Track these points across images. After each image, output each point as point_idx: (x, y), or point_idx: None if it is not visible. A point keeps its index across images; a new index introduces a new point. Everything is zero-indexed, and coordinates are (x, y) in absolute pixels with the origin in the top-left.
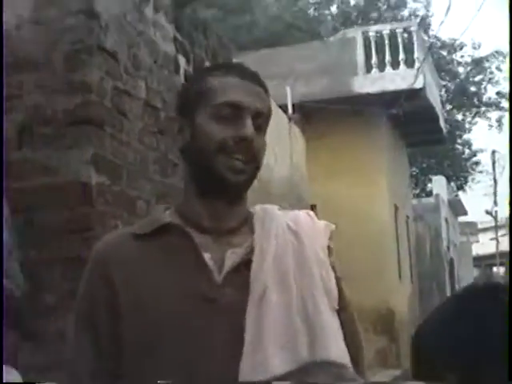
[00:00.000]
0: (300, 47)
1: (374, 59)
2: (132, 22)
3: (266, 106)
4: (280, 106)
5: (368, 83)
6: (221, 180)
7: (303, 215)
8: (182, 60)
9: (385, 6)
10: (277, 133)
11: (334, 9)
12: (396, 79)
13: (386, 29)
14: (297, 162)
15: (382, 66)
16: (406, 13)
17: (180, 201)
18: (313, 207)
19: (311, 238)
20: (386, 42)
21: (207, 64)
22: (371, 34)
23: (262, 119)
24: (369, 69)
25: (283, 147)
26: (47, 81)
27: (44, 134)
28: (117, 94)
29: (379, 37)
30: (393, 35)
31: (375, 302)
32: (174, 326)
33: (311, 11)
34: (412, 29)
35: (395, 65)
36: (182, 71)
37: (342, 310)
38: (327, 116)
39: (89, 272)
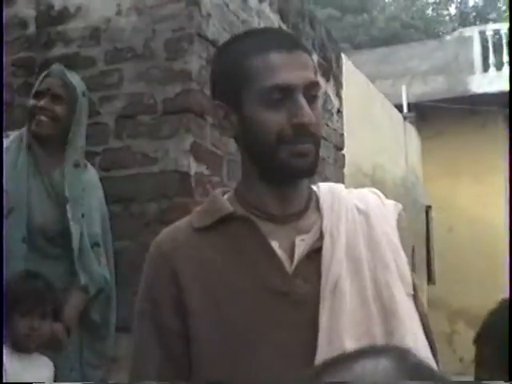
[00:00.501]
0: (416, 46)
1: (492, 58)
2: (235, 11)
3: (314, 72)
4: (395, 106)
5: (485, 82)
6: (287, 167)
7: (371, 195)
8: None
9: (504, 7)
10: (392, 132)
11: (452, 9)
12: None
13: (503, 28)
14: (412, 162)
15: (499, 65)
16: None
17: (240, 185)
18: (428, 208)
19: (381, 219)
20: (504, 40)
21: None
22: (488, 32)
23: (313, 89)
24: (486, 68)
25: (398, 147)
26: (147, 69)
27: (143, 122)
28: None
29: (497, 36)
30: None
31: (487, 306)
32: (247, 322)
33: (429, 11)
34: None
35: None
36: None
37: (414, 294)
38: (443, 115)
39: (150, 269)
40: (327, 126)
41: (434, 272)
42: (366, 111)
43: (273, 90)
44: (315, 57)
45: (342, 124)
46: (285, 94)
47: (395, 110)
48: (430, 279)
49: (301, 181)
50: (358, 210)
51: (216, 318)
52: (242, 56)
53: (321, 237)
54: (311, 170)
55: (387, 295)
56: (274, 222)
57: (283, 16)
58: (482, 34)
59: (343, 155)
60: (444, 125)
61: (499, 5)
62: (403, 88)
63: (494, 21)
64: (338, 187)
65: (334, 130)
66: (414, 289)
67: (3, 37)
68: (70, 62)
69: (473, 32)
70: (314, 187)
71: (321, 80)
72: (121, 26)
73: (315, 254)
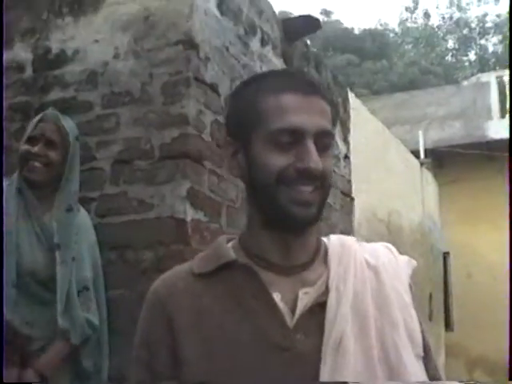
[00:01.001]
0: (434, 91)
1: (509, 104)
2: (235, 55)
3: (329, 120)
4: (413, 151)
5: (503, 128)
6: (286, 214)
7: (383, 249)
8: None
9: None
10: (408, 178)
11: (471, 55)
12: None
13: None
14: (429, 208)
15: None
16: None
17: (244, 232)
18: (446, 254)
19: (392, 275)
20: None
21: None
22: (506, 78)
23: (326, 138)
24: (503, 114)
25: (414, 193)
26: (144, 113)
27: (140, 167)
28: (217, 127)
29: None
30: None
31: (505, 353)
32: (243, 376)
33: (449, 57)
34: None
35: None
36: None
37: (425, 356)
38: (461, 161)
39: (147, 314)
40: (334, 172)
41: (453, 319)
42: (382, 157)
43: (282, 132)
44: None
45: (350, 170)
46: (294, 137)
47: (411, 156)
48: (449, 326)
49: (307, 231)
50: (368, 264)
51: (210, 371)
52: (256, 95)
53: (326, 291)
54: (313, 220)
55: (395, 357)
56: (277, 273)
57: (287, 60)
58: (500, 79)
59: (351, 201)
60: (461, 171)
61: None
62: (420, 134)
63: None
64: (350, 240)
65: (342, 176)
66: (427, 350)
67: (3, 36)
68: (67, 106)
69: (490, 77)
70: (325, 239)
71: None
72: (118, 70)
73: (319, 308)
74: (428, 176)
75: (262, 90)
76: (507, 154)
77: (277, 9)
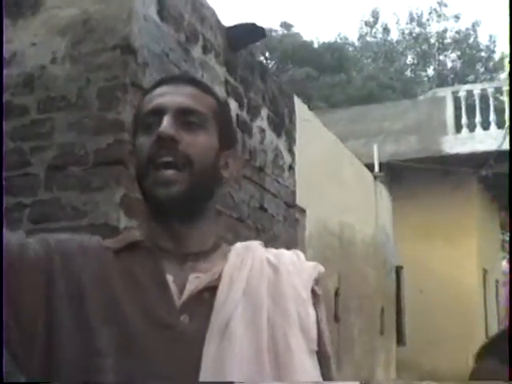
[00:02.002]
0: (390, 106)
1: (464, 119)
2: (175, 61)
3: (204, 105)
4: (367, 165)
5: (458, 143)
6: (151, 197)
7: (288, 253)
8: (233, 104)
9: (482, 69)
10: (361, 192)
11: (430, 70)
12: (486, 140)
13: (476, 88)
14: (382, 222)
15: (472, 127)
16: (504, 75)
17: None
18: (399, 268)
19: (293, 274)
20: (477, 101)
21: (263, 109)
22: (461, 93)
23: (194, 116)
24: (459, 129)
25: (368, 206)
26: (79, 119)
27: (74, 173)
28: None
29: (470, 96)
30: (484, 95)
31: (459, 367)
32: (126, 349)
33: (407, 72)
34: (504, 89)
35: (486, 125)
36: (233, 116)
37: (321, 355)
38: (416, 175)
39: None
40: (278, 182)
41: (405, 333)
42: (334, 170)
43: (147, 114)
44: (265, 111)
45: (294, 180)
46: (156, 117)
47: (365, 169)
48: (401, 341)
49: (193, 218)
50: (269, 262)
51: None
52: (144, 93)
53: (219, 278)
54: (179, 201)
55: (283, 346)
56: (172, 259)
57: (230, 68)
58: (455, 94)
59: (302, 213)
60: (416, 185)
61: (477, 67)
62: (375, 147)
63: (472, 83)
64: (255, 243)
65: (286, 186)
66: (323, 350)
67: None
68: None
69: (446, 93)
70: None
71: (271, 135)
72: (55, 74)
73: (210, 293)
74: (382, 190)
75: (146, 93)
76: (462, 169)
77: (235, 21)
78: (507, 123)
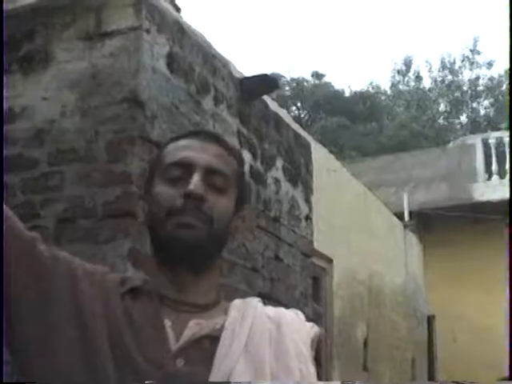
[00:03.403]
0: (420, 153)
1: (495, 166)
2: (185, 113)
3: (228, 167)
4: (397, 214)
5: (489, 190)
6: (172, 238)
7: (288, 311)
8: (247, 155)
9: None
10: (391, 240)
11: (463, 118)
12: None
13: (506, 135)
14: (412, 270)
15: (502, 174)
16: None
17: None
18: (431, 318)
19: (293, 330)
20: (507, 148)
21: (278, 160)
22: (491, 140)
23: (220, 178)
24: (489, 176)
25: (398, 255)
26: (88, 172)
27: (83, 226)
28: None
29: (500, 143)
30: None
31: None
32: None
33: (440, 120)
34: None
35: None
36: (247, 167)
37: None
38: (446, 223)
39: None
40: (294, 232)
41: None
42: (363, 219)
43: (173, 166)
44: (280, 161)
45: (312, 230)
46: (184, 170)
47: (395, 218)
48: None
49: (200, 268)
50: (269, 317)
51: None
52: (163, 147)
53: (220, 329)
54: (194, 245)
55: None
56: (173, 308)
57: (243, 119)
58: (485, 141)
59: (312, 262)
60: (447, 233)
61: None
62: (404, 196)
63: (506, 129)
64: (254, 299)
65: (302, 236)
66: None
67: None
68: (13, 163)
69: (476, 140)
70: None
71: (287, 185)
72: (64, 128)
73: (209, 341)
74: (412, 238)
75: (168, 143)
76: (492, 216)
77: (268, 71)
78: None
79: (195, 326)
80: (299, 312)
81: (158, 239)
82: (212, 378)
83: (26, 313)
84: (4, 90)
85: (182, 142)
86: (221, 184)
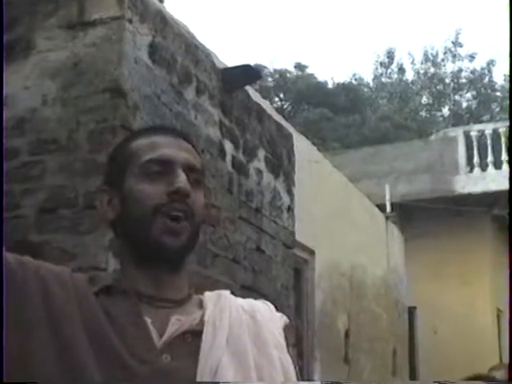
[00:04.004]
0: (402, 145)
1: (476, 158)
2: (167, 103)
3: (199, 163)
4: (379, 205)
5: (470, 183)
6: (158, 246)
7: (258, 302)
8: (228, 145)
9: (498, 108)
10: (372, 232)
11: (445, 110)
12: (499, 179)
13: (488, 128)
14: (394, 263)
15: (484, 166)
16: None
17: (119, 272)
18: (412, 309)
19: (268, 320)
20: (489, 141)
21: (260, 151)
22: (473, 133)
23: (196, 174)
24: (471, 168)
25: (379, 247)
26: (70, 162)
27: (64, 216)
28: None
29: (482, 136)
30: (496, 134)
31: None
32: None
33: (422, 112)
34: None
35: (498, 164)
36: (229, 157)
37: None
38: (428, 215)
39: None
40: (275, 223)
41: (418, 374)
42: (345, 210)
43: (152, 162)
44: (262, 152)
45: (293, 222)
46: (165, 168)
47: (376, 210)
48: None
49: (178, 267)
50: (244, 310)
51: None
52: (127, 140)
53: (201, 323)
54: (182, 251)
55: None
56: (151, 305)
57: (225, 110)
58: (467, 134)
59: (293, 254)
60: (429, 225)
61: (493, 106)
62: (386, 187)
63: (487, 122)
64: (226, 292)
65: (284, 227)
66: None
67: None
68: None
69: (457, 132)
70: (201, 295)
71: (269, 176)
72: (46, 117)
73: (192, 336)
74: (394, 230)
75: (133, 137)
76: (474, 208)
77: (250, 62)
78: None
79: (177, 322)
80: (268, 303)
81: (139, 241)
82: (200, 372)
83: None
84: None
85: (156, 139)
86: (198, 179)
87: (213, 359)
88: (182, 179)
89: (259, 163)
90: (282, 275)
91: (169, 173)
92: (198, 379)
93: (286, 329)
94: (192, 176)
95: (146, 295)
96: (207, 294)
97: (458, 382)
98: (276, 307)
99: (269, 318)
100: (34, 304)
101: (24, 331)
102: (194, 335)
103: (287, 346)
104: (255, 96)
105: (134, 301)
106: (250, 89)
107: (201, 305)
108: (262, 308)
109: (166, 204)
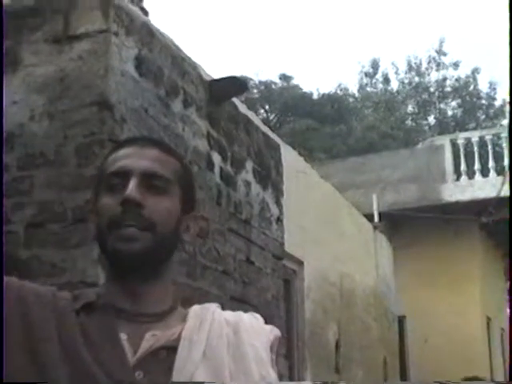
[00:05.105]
0: (388, 155)
1: (463, 166)
2: (155, 116)
3: (167, 169)
4: (367, 215)
5: (458, 191)
6: (113, 253)
7: (246, 315)
8: (216, 157)
9: (483, 116)
10: (361, 242)
11: (431, 119)
12: (486, 187)
13: (474, 136)
14: (383, 272)
15: (471, 174)
16: (505, 122)
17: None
18: (402, 318)
19: (251, 334)
20: (476, 149)
21: (248, 162)
22: (460, 141)
23: (157, 180)
24: (458, 176)
25: (368, 256)
26: (58, 176)
27: (52, 231)
28: None
29: (469, 144)
30: (483, 142)
31: None
32: None
33: (408, 121)
34: (502, 135)
35: (485, 172)
36: (217, 169)
37: None
38: (416, 224)
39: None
40: (265, 234)
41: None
42: (333, 221)
43: (111, 175)
44: (250, 163)
45: (283, 232)
46: (122, 178)
47: (364, 220)
48: None
49: (150, 278)
50: (228, 322)
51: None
52: (109, 154)
53: (178, 338)
54: (139, 257)
55: None
56: (128, 320)
57: (213, 121)
58: (454, 142)
59: (283, 265)
60: (417, 234)
61: (478, 114)
62: (374, 197)
63: (473, 130)
64: (213, 305)
65: (274, 239)
66: None
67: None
68: None
69: (444, 140)
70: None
71: (257, 187)
72: (33, 132)
73: (167, 352)
74: (382, 239)
75: (111, 151)
76: (462, 216)
77: (235, 74)
78: (507, 169)
79: (151, 338)
80: (258, 315)
81: (104, 251)
82: None
83: None
84: None
85: (122, 151)
86: (160, 186)
87: (185, 375)
88: (130, 188)
89: (247, 175)
90: (271, 286)
91: (124, 184)
92: None
93: (276, 343)
94: (152, 182)
95: (124, 310)
96: (194, 307)
97: (461, 382)
98: (266, 318)
99: (254, 331)
100: (12, 326)
101: (3, 353)
102: (170, 351)
103: (273, 359)
104: (242, 108)
105: (111, 317)
106: (236, 101)
107: (185, 319)
108: (248, 321)
109: (118, 215)
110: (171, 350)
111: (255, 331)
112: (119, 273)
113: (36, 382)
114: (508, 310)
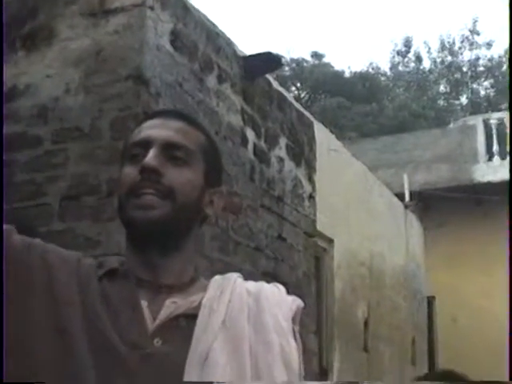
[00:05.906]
0: (420, 134)
1: (496, 147)
2: (189, 91)
3: (191, 141)
4: (398, 194)
5: (489, 171)
6: (130, 221)
7: (268, 285)
8: (250, 133)
9: None
10: (391, 221)
11: (463, 99)
12: None
13: (507, 116)
14: (413, 252)
15: (503, 154)
16: None
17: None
18: (431, 298)
19: (273, 304)
20: (508, 129)
21: (282, 139)
22: (492, 121)
23: (180, 151)
24: (490, 157)
25: (398, 236)
26: (93, 149)
27: (87, 203)
28: None
29: (501, 124)
30: None
31: None
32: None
33: (440, 101)
34: None
35: None
36: (251, 145)
37: None
38: (447, 204)
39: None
40: (297, 211)
41: (437, 363)
42: (364, 199)
43: (133, 145)
44: (284, 140)
45: (315, 210)
46: (143, 148)
47: (395, 199)
48: (433, 370)
49: (170, 249)
50: (249, 293)
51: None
52: (133, 129)
53: (198, 306)
54: (156, 226)
55: (266, 375)
56: (147, 288)
57: (246, 97)
58: (486, 122)
59: (315, 242)
60: (448, 214)
61: None
62: (405, 177)
63: (505, 110)
64: (234, 274)
65: (305, 215)
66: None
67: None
68: (17, 141)
69: (476, 120)
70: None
71: (290, 164)
72: (68, 105)
73: (187, 320)
74: (413, 219)
75: (138, 124)
76: (493, 197)
77: (268, 50)
78: None
79: (172, 305)
80: (280, 286)
81: (122, 221)
82: (190, 357)
83: (6, 306)
84: (5, 69)
85: (147, 123)
86: (183, 157)
87: (204, 343)
88: (149, 156)
89: (281, 151)
90: (303, 263)
91: (145, 154)
92: (188, 364)
93: (298, 313)
94: (173, 153)
95: (143, 280)
96: (215, 277)
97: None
98: (298, 295)
99: (275, 301)
100: (37, 290)
101: (24, 314)
102: (190, 319)
103: (295, 330)
104: (275, 84)
105: (132, 284)
106: (269, 77)
107: (205, 288)
108: (270, 291)
109: (137, 183)
110: (191, 317)
111: (276, 300)
112: (137, 244)
113: (55, 345)
114: None
